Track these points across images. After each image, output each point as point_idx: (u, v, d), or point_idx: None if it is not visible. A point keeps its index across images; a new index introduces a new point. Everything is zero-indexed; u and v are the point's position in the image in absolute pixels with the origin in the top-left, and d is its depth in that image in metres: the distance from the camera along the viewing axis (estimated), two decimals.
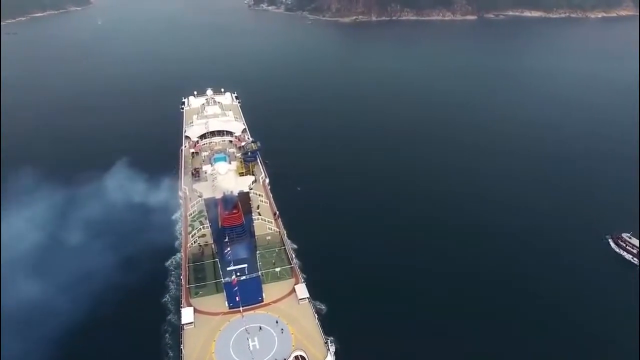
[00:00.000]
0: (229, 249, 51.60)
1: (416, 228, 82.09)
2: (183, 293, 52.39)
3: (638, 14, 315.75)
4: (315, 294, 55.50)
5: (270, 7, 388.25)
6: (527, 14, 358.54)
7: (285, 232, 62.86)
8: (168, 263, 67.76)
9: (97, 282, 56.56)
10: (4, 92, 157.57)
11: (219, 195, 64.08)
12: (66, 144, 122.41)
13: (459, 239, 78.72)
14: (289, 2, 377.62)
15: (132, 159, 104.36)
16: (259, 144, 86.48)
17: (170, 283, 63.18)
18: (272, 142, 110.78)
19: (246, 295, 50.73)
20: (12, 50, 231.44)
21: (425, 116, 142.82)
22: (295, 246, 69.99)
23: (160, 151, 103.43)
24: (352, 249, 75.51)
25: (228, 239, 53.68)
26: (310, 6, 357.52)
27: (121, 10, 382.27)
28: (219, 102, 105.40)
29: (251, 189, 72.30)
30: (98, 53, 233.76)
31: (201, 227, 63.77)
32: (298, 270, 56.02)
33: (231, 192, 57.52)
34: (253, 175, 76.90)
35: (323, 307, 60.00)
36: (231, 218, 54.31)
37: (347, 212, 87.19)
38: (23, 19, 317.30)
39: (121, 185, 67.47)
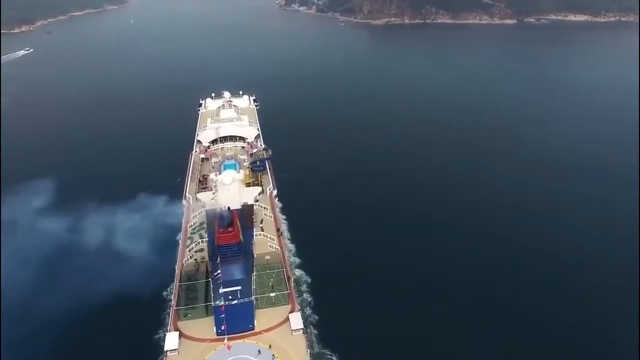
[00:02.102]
0: (219, 271, 47.60)
1: (450, 257, 71.86)
2: (171, 315, 48.95)
3: None
4: (311, 326, 50.77)
5: (301, 8, 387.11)
6: (571, 17, 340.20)
7: (287, 252, 58.61)
8: (166, 293, 59.40)
9: (81, 319, 52.21)
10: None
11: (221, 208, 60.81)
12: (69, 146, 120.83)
13: (501, 266, 70.28)
14: (320, 3, 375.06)
15: (140, 167, 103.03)
16: (270, 152, 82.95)
17: (166, 316, 54.58)
18: (287, 149, 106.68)
19: (236, 322, 46.69)
20: (42, 50, 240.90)
21: (459, 125, 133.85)
22: (297, 268, 65.17)
23: (175, 157, 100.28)
24: (363, 275, 66.82)
25: (221, 259, 49.84)
26: (342, 7, 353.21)
27: (155, 9, 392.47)
28: (234, 106, 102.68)
29: (257, 200, 68.51)
30: (126, 52, 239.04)
31: (200, 240, 60.16)
32: (295, 296, 51.55)
33: (228, 207, 53.50)
34: (261, 185, 72.99)
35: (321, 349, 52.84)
36: (226, 236, 50.49)
37: (363, 230, 79.11)
38: (63, 17, 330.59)
39: (120, 199, 64.17)
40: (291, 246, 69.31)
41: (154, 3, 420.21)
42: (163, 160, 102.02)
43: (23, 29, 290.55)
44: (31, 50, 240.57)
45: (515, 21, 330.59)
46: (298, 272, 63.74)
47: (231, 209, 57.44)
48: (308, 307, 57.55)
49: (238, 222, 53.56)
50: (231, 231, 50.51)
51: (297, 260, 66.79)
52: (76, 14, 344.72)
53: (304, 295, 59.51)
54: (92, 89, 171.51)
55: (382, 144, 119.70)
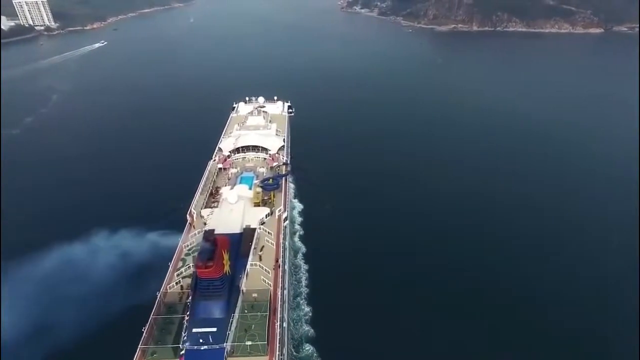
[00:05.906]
0: (187, 313, 41.35)
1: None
2: (137, 352, 43.44)
3: None
4: None
5: (363, 10, 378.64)
6: None
7: (280, 291, 50.84)
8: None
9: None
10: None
11: (221, 230, 54.98)
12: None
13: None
14: (383, 6, 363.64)
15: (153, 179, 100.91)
16: (289, 168, 76.46)
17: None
18: (320, 167, 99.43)
19: None
20: (108, 45, 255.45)
21: (527, 153, 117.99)
22: (307, 343, 57.30)
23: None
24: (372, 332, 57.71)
25: (195, 294, 43.76)
26: (405, 11, 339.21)
27: (219, 8, 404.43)
28: (264, 112, 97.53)
29: (263, 223, 61.73)
30: (180, 49, 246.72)
31: (192, 264, 54.42)
32: (277, 347, 43.87)
33: (213, 239, 46.55)
34: (272, 205, 66.07)
35: None
36: (205, 271, 44.10)
37: (386, 277, 69.24)
38: (133, 14, 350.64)
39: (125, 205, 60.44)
40: (307, 309, 61.97)
41: (219, 1, 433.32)
42: (187, 166, 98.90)
43: (95, 26, 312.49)
44: (105, 43, 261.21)
45: (601, 30, 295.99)
46: (307, 347, 55.99)
47: (223, 234, 51.24)
48: None
49: (224, 253, 46.88)
50: (210, 266, 43.96)
51: (311, 330, 58.72)
52: (145, 11, 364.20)
53: None
54: (137, 86, 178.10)
55: (425, 170, 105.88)
